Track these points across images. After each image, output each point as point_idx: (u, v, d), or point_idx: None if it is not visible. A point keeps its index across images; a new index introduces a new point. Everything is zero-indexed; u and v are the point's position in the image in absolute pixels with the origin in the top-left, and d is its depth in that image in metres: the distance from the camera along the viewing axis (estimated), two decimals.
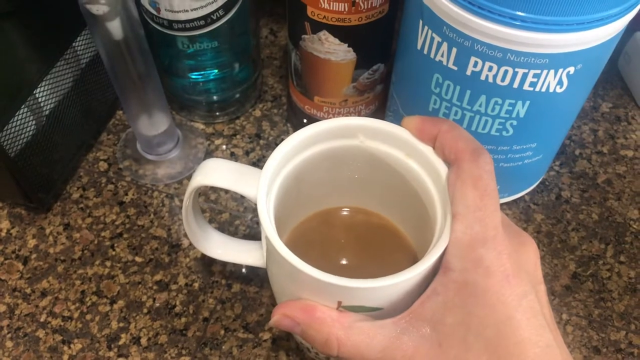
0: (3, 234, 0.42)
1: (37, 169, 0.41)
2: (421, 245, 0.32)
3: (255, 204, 0.27)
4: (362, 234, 0.35)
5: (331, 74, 0.41)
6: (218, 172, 0.29)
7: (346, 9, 0.36)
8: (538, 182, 0.44)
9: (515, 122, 0.35)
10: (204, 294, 0.39)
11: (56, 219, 0.43)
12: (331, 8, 0.36)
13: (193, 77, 0.45)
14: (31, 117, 0.39)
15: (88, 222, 0.43)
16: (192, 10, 0.39)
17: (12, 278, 0.40)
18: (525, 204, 0.44)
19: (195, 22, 0.39)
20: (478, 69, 0.32)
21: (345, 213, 0.35)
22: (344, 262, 0.33)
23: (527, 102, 0.33)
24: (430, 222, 0.29)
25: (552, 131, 0.37)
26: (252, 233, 0.42)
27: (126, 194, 0.44)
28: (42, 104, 0.40)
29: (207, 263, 0.41)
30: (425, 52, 0.34)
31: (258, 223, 0.34)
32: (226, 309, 0.39)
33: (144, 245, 0.41)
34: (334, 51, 0.39)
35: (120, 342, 0.38)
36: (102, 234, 0.42)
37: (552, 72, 0.31)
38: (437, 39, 0.32)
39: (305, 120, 0.45)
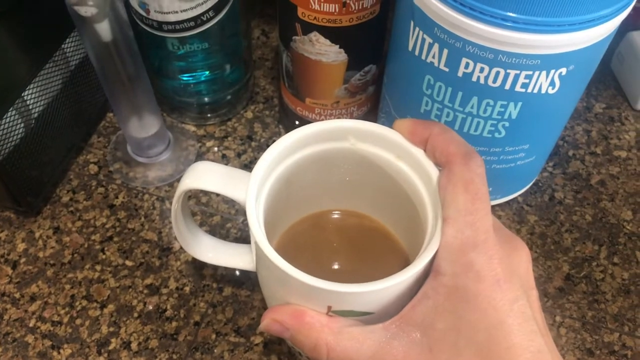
0: None
1: (26, 172, 0.40)
2: (413, 247, 0.32)
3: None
4: (353, 237, 0.34)
5: (322, 75, 0.40)
6: (207, 176, 0.29)
7: (337, 10, 0.36)
8: (531, 183, 0.44)
9: (507, 124, 0.34)
10: (195, 298, 0.39)
11: (46, 223, 0.42)
12: (322, 9, 0.36)
13: (184, 78, 0.44)
14: (20, 120, 0.39)
15: (78, 225, 0.42)
16: (181, 11, 0.38)
17: (0, 282, 0.40)
18: (518, 205, 0.44)
19: (185, 24, 0.39)
20: (469, 70, 0.32)
21: (336, 216, 0.35)
22: (334, 265, 0.33)
23: (519, 104, 0.33)
24: (421, 225, 0.29)
25: (545, 132, 0.37)
26: (244, 236, 0.42)
27: (116, 197, 0.44)
28: (30, 107, 0.40)
29: (198, 266, 0.40)
30: (416, 53, 0.34)
31: None
32: (217, 312, 0.38)
33: (135, 249, 0.41)
34: (325, 52, 0.38)
35: (111, 347, 0.37)
36: (92, 237, 0.42)
37: (544, 73, 0.31)
38: (428, 40, 0.32)
39: (297, 122, 0.45)
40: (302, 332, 0.26)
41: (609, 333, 0.38)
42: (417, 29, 0.33)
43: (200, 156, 0.46)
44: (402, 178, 0.30)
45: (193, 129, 0.48)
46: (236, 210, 0.43)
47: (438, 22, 0.31)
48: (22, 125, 0.39)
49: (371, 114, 0.45)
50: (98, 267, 0.40)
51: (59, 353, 0.37)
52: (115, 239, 0.42)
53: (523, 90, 0.32)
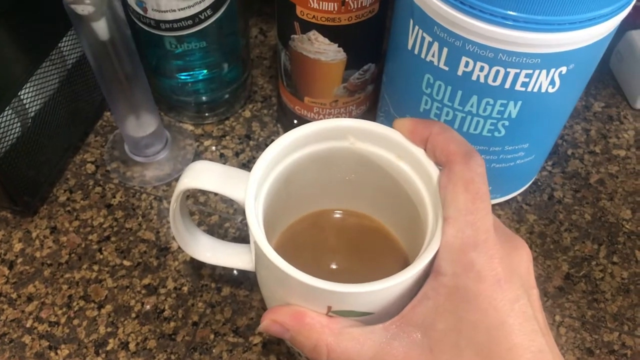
0: None
1: (22, 171, 0.40)
2: (413, 247, 0.32)
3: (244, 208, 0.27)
4: (353, 237, 0.34)
5: (321, 74, 0.40)
6: (205, 175, 0.29)
7: (336, 9, 0.35)
8: (530, 182, 0.44)
9: (507, 123, 0.34)
10: (193, 298, 0.39)
11: (43, 223, 0.42)
12: (320, 8, 0.35)
13: (181, 77, 0.44)
14: (16, 119, 0.38)
15: (75, 225, 0.42)
16: (179, 10, 0.38)
17: None
18: (517, 204, 0.44)
19: (182, 22, 0.39)
20: (469, 69, 0.31)
21: (335, 215, 0.35)
22: (334, 265, 0.33)
23: (519, 103, 0.33)
24: (421, 224, 0.28)
25: (545, 131, 0.37)
26: (242, 235, 0.42)
27: (114, 197, 0.43)
28: (27, 106, 0.39)
29: (197, 266, 0.40)
30: (416, 52, 0.33)
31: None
32: (216, 312, 0.38)
33: (132, 249, 0.41)
34: (323, 51, 0.38)
35: (108, 348, 0.37)
36: (90, 237, 0.41)
37: (544, 72, 0.31)
38: (427, 38, 0.32)
39: (295, 121, 0.45)
40: (303, 333, 0.26)
41: (609, 332, 0.38)
42: (416, 27, 0.32)
43: (198, 155, 0.46)
44: (402, 178, 0.30)
45: (191, 128, 0.47)
46: (234, 209, 0.43)
47: (438, 21, 0.31)
48: (19, 124, 0.39)
49: (370, 113, 0.45)
50: (95, 267, 0.40)
51: (56, 354, 0.37)
52: (113, 238, 0.41)
53: (523, 89, 0.32)
